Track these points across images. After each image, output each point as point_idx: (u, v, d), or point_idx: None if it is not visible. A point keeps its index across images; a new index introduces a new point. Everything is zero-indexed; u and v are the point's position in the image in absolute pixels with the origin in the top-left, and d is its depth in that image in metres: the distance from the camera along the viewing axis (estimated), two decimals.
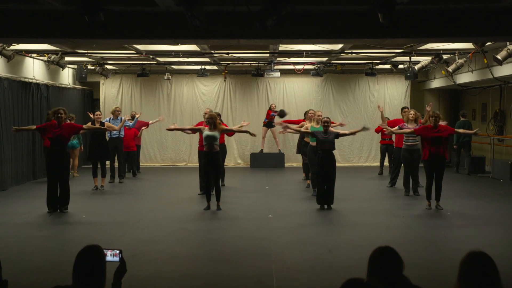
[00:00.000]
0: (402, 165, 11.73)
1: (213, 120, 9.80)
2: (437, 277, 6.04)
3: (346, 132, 10.66)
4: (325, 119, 10.08)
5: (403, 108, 13.16)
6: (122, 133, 13.59)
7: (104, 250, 3.29)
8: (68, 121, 10.26)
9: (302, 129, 10.98)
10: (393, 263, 3.15)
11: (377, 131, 14.91)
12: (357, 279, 2.73)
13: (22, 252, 7.04)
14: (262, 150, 17.34)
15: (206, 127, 9.91)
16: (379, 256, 3.17)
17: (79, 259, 3.18)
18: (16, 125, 12.64)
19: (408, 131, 10.59)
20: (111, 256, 3.40)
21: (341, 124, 12.94)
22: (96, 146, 12.14)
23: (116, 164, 13.71)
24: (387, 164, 14.85)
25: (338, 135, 10.06)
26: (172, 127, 11.15)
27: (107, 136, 12.63)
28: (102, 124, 12.17)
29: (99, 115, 12.37)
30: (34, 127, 10.25)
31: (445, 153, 9.84)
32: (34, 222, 9.00)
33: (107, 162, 12.92)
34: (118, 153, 13.57)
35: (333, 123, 11.12)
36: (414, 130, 10.36)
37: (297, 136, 13.53)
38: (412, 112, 11.34)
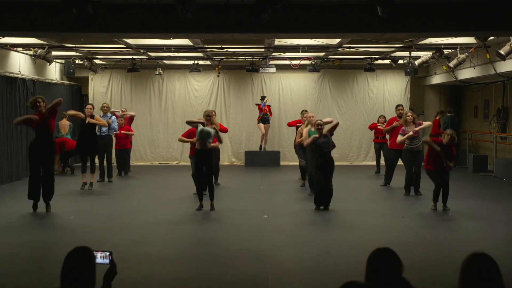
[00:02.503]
0: (403, 165, 11.54)
1: (210, 117, 9.72)
2: (438, 279, 5.93)
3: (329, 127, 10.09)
4: (318, 121, 9.90)
5: (397, 106, 12.89)
6: (112, 131, 13.34)
7: (94, 252, 3.22)
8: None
9: (303, 139, 10.83)
10: (392, 265, 3.11)
11: (371, 128, 14.74)
12: (355, 282, 2.68)
13: (7, 254, 6.87)
14: (263, 148, 16.99)
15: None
16: (378, 258, 3.14)
17: (68, 261, 3.09)
18: (2, 123, 12.59)
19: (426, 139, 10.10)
20: (101, 258, 3.34)
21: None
22: (86, 140, 11.87)
23: (105, 163, 13.42)
24: (384, 162, 14.71)
25: (331, 133, 9.89)
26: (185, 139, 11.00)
27: (97, 131, 12.42)
28: (92, 117, 11.94)
29: (90, 108, 12.02)
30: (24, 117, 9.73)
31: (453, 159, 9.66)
32: (19, 223, 8.80)
33: (96, 160, 12.73)
34: (107, 151, 13.29)
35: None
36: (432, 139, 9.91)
37: (293, 135, 13.32)
38: (409, 113, 11.20)
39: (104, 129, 12.95)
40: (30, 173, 9.55)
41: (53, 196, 9.56)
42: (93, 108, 12.23)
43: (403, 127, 11.20)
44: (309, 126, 10.77)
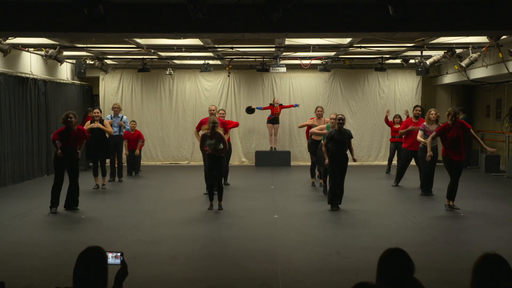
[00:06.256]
0: (416, 165, 11.46)
1: (216, 123, 9.55)
2: (450, 280, 5.88)
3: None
4: (340, 116, 9.73)
5: (415, 107, 12.77)
6: (123, 131, 13.45)
7: (106, 252, 3.24)
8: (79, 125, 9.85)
9: (321, 131, 10.82)
10: (403, 265, 3.10)
11: (386, 121, 14.56)
12: (366, 283, 2.65)
13: (19, 253, 6.92)
14: (274, 148, 16.92)
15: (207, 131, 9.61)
16: (389, 258, 3.12)
17: (80, 261, 3.12)
18: (14, 122, 12.60)
19: (432, 135, 9.95)
20: (112, 258, 3.35)
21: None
22: (96, 144, 11.99)
23: (116, 164, 13.47)
24: (396, 162, 14.62)
25: (351, 137, 9.81)
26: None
27: (107, 134, 12.46)
28: (101, 122, 12.07)
29: (98, 113, 12.14)
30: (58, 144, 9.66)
31: (463, 153, 9.49)
32: (32, 222, 8.86)
33: (107, 161, 12.79)
34: (118, 151, 13.39)
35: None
36: (436, 131, 9.83)
37: (303, 135, 13.25)
38: (433, 111, 10.88)
39: (115, 129, 13.04)
40: (54, 182, 9.52)
41: (77, 205, 9.72)
42: (101, 112, 12.32)
43: (424, 123, 10.97)
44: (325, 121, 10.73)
